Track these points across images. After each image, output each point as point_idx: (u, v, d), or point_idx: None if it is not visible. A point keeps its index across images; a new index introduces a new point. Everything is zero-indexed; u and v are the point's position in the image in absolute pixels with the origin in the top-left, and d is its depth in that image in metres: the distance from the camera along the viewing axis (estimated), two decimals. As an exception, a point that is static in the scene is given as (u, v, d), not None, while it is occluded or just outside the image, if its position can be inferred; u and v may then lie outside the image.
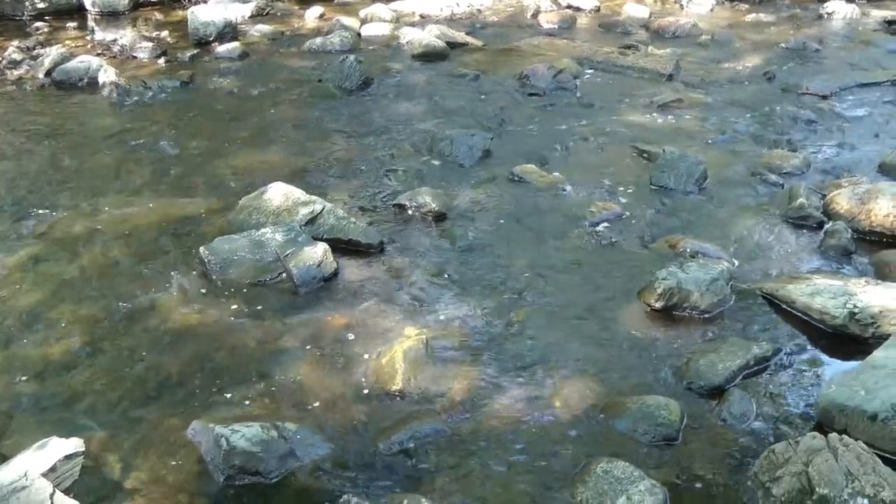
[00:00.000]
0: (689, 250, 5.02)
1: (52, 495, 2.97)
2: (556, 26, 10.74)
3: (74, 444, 3.27)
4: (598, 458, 3.38)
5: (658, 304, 4.46)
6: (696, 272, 4.54)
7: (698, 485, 3.36)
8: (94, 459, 3.42)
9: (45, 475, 3.06)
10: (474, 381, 3.93)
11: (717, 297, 4.48)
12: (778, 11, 11.57)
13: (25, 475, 3.00)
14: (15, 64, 8.81)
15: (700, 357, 4.03)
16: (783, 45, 9.80)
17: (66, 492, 3.08)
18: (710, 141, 6.89)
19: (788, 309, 4.48)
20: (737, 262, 4.95)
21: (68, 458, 3.22)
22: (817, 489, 2.97)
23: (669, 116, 7.46)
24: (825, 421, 3.58)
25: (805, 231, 5.34)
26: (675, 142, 6.68)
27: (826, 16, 11.25)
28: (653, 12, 11.24)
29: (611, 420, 3.69)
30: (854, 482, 2.97)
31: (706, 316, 4.45)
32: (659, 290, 4.46)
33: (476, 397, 3.84)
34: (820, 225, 5.33)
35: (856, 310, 4.21)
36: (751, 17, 11.26)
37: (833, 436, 3.19)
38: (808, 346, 4.24)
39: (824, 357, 4.17)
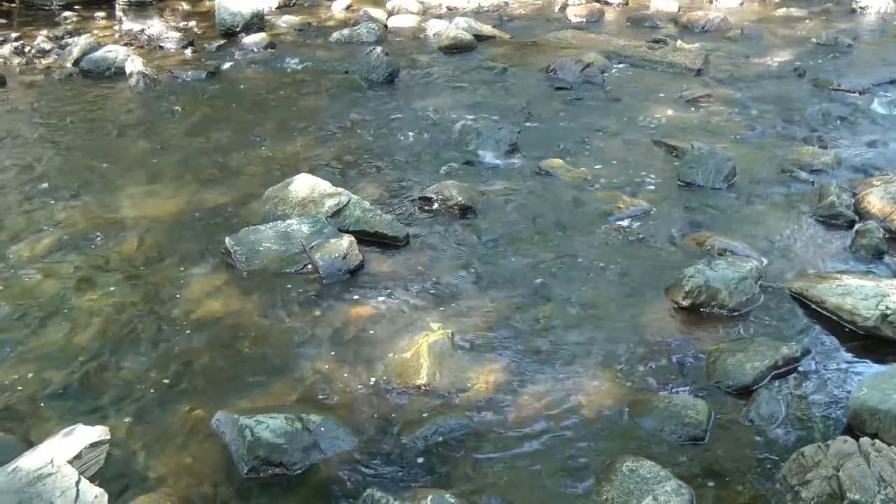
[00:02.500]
0: (717, 248, 4.97)
1: (77, 482, 2.98)
2: (583, 20, 10.70)
3: (100, 432, 3.28)
4: (623, 457, 3.34)
5: (685, 302, 4.41)
6: (725, 270, 4.49)
7: (725, 486, 3.31)
8: (119, 447, 3.42)
9: (70, 462, 3.07)
10: (499, 377, 3.90)
11: (746, 295, 4.43)
12: (809, 5, 11.46)
13: (51, 462, 3.01)
14: (43, 53, 8.87)
15: (728, 356, 3.97)
16: (814, 39, 9.72)
17: (92, 479, 3.09)
18: (739, 137, 6.83)
19: (818, 309, 4.42)
20: (766, 261, 4.88)
21: (94, 445, 3.23)
22: (848, 494, 2.92)
23: (698, 112, 7.40)
24: (856, 424, 3.52)
25: (836, 230, 5.27)
26: (704, 137, 6.62)
27: (859, 10, 11.14)
28: (682, 6, 11.17)
29: (637, 418, 3.65)
30: (887, 488, 2.91)
31: (734, 315, 4.39)
32: (686, 288, 4.41)
33: (501, 393, 3.81)
34: (851, 224, 5.27)
35: (888, 311, 4.14)
36: (781, 11, 11.18)
37: (865, 440, 3.13)
38: (839, 348, 4.18)
39: (855, 359, 4.10)
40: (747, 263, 4.62)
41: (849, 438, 3.16)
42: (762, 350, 4.00)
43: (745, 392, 3.81)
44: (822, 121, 7.18)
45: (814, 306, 4.45)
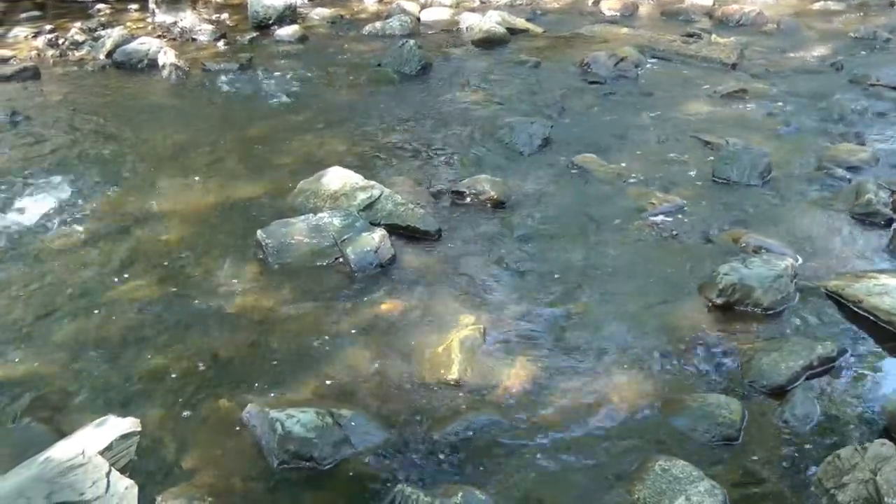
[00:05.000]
0: (751, 245, 4.92)
1: (108, 473, 2.98)
2: (617, 13, 10.62)
3: (131, 424, 3.28)
4: (656, 456, 3.31)
5: (719, 300, 4.36)
6: (759, 268, 4.44)
7: (759, 487, 3.27)
8: (150, 439, 3.43)
9: (101, 453, 3.07)
10: (531, 373, 3.87)
11: (781, 294, 4.37)
12: (847, -1, 11.30)
13: (83, 453, 3.02)
14: (77, 45, 8.93)
15: (762, 355, 3.92)
16: (852, 34, 9.58)
17: (122, 470, 3.10)
18: (774, 133, 6.74)
19: (855, 309, 4.35)
20: (801, 259, 4.81)
21: (125, 437, 3.23)
22: (886, 499, 2.87)
23: (733, 107, 7.32)
24: (893, 427, 3.46)
25: (873, 228, 5.19)
26: (739, 133, 6.55)
27: (897, 4, 10.97)
28: (716, 0, 11.04)
29: (670, 417, 3.61)
30: (925, 493, 2.86)
31: (769, 313, 4.33)
32: (720, 286, 4.36)
33: (533, 389, 3.78)
34: (889, 222, 5.18)
35: (927, 312, 4.07)
36: (818, 4, 11.02)
37: (903, 443, 3.08)
38: (876, 348, 4.11)
39: (893, 360, 4.04)
40: (782, 261, 4.55)
41: (887, 441, 3.11)
42: (797, 350, 3.94)
43: (780, 392, 3.76)
44: (860, 117, 7.06)
45: (850, 306, 4.38)
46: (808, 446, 3.47)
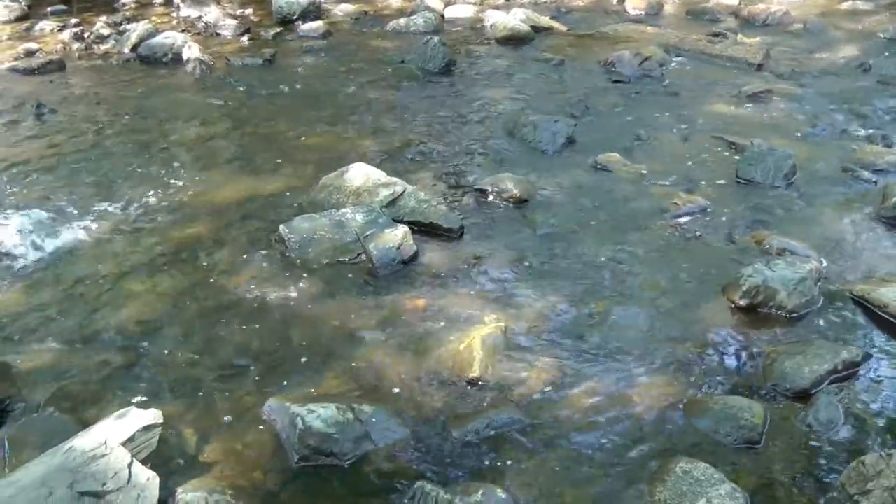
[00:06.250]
0: (776, 247, 4.87)
1: (129, 465, 3.01)
2: (642, 12, 10.56)
3: (153, 416, 3.30)
4: (677, 458, 3.29)
5: (742, 302, 4.33)
6: (784, 270, 4.40)
7: (781, 492, 3.24)
8: (172, 431, 3.44)
9: (123, 444, 3.09)
10: (552, 372, 3.86)
11: (805, 297, 4.33)
12: (876, -1, 11.19)
13: (105, 444, 3.04)
14: (102, 39, 8.99)
15: (785, 358, 3.88)
16: (881, 34, 9.48)
17: (144, 462, 3.12)
18: (800, 134, 6.69)
19: (880, 313, 4.31)
20: (826, 262, 4.77)
21: (146, 428, 3.25)
22: (911, 506, 2.85)
23: (758, 107, 7.26)
24: (919, 433, 3.44)
25: (899, 232, 5.15)
26: (764, 134, 6.49)
27: (929, 5, 10.84)
28: (742, -1, 10.98)
29: (692, 419, 3.59)
30: (951, 500, 2.83)
31: (792, 316, 4.30)
32: (744, 288, 4.33)
33: (553, 388, 3.77)
34: (916, 226, 5.14)
35: (954, 317, 4.03)
36: (846, 4, 10.90)
37: (929, 450, 3.05)
38: (902, 353, 4.07)
39: (919, 365, 4.00)
40: (807, 264, 4.52)
41: (913, 448, 3.08)
42: (821, 353, 3.90)
43: (803, 396, 3.72)
44: (887, 118, 6.99)
45: (875, 310, 4.33)
46: (831, 451, 3.44)
